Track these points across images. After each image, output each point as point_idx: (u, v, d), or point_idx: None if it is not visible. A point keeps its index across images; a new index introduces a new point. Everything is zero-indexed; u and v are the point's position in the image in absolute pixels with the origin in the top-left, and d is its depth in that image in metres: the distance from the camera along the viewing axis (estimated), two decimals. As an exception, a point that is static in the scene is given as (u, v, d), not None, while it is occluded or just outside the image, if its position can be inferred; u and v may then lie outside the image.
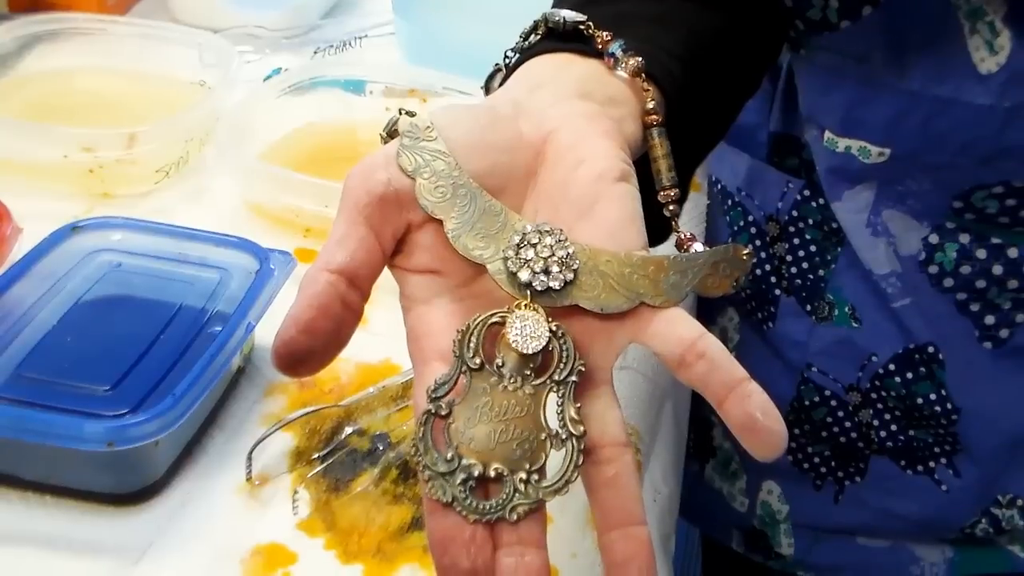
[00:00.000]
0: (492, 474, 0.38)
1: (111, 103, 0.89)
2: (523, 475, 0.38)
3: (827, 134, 0.66)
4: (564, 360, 0.40)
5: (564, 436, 0.39)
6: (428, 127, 0.42)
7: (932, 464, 0.73)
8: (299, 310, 0.38)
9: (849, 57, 0.63)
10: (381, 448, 0.59)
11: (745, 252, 0.43)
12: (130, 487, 0.56)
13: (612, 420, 0.40)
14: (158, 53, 0.93)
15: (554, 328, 0.40)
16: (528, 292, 0.40)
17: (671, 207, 0.47)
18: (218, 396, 0.61)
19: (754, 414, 0.38)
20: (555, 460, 0.39)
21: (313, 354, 0.38)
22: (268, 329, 0.63)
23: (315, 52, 1.05)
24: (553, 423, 0.39)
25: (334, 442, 0.59)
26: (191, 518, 0.55)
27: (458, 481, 0.38)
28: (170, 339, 0.59)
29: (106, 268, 0.64)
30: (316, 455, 0.58)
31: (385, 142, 0.43)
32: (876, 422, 0.73)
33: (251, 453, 0.57)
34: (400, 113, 0.43)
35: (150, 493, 0.56)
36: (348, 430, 0.60)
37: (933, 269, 0.67)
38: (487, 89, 0.54)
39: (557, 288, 0.40)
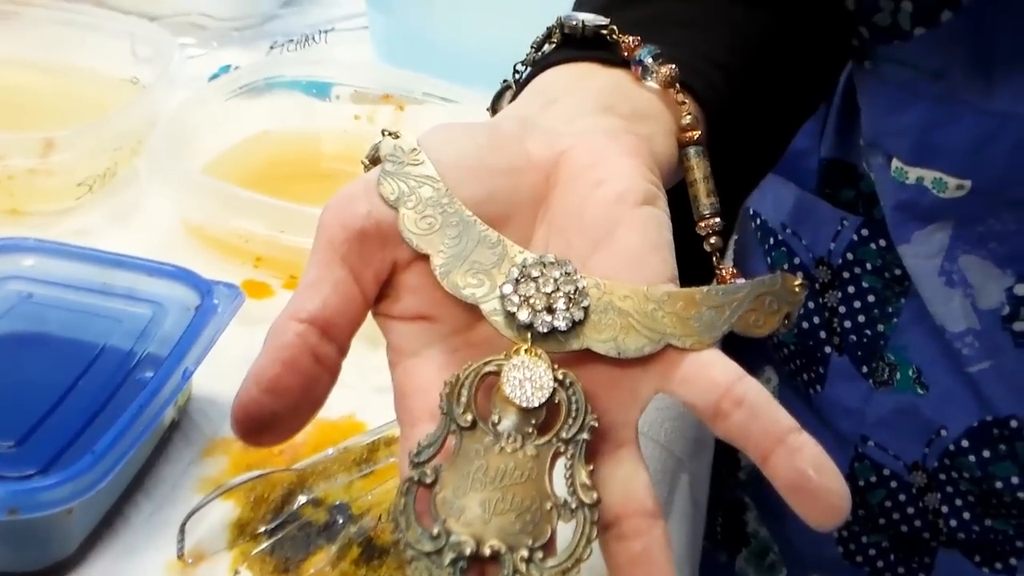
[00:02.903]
0: (487, 552, 0.38)
1: (23, 102, 0.90)
2: (524, 553, 0.38)
3: (895, 162, 0.66)
4: (573, 415, 0.40)
5: (574, 505, 0.39)
6: (414, 150, 0.43)
7: (1013, 561, 0.73)
8: (262, 366, 0.38)
9: (924, 71, 0.63)
10: (340, 521, 0.59)
11: (798, 283, 0.43)
12: (37, 564, 0.56)
13: (639, 486, 0.40)
14: (82, 43, 0.94)
15: (560, 377, 0.40)
16: (529, 335, 0.41)
17: (712, 240, 0.47)
18: (146, 456, 0.62)
19: (806, 471, 0.38)
20: (564, 533, 0.39)
21: (278, 419, 0.38)
22: (208, 376, 0.64)
23: (271, 47, 1.06)
24: (561, 490, 0.39)
25: (284, 513, 0.59)
26: (109, 602, 0.55)
27: (447, 562, 0.38)
28: (90, 386, 0.60)
29: (14, 300, 0.65)
30: (262, 528, 0.59)
31: (367, 170, 0.44)
32: (945, 508, 0.73)
33: (184, 525, 0.57)
34: (383, 135, 0.43)
35: (60, 572, 0.56)
36: (301, 499, 0.60)
37: (1018, 327, 0.67)
38: (494, 111, 0.55)
39: (564, 329, 0.41)
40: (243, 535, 0.58)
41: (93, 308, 0.65)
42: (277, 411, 0.38)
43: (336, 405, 0.64)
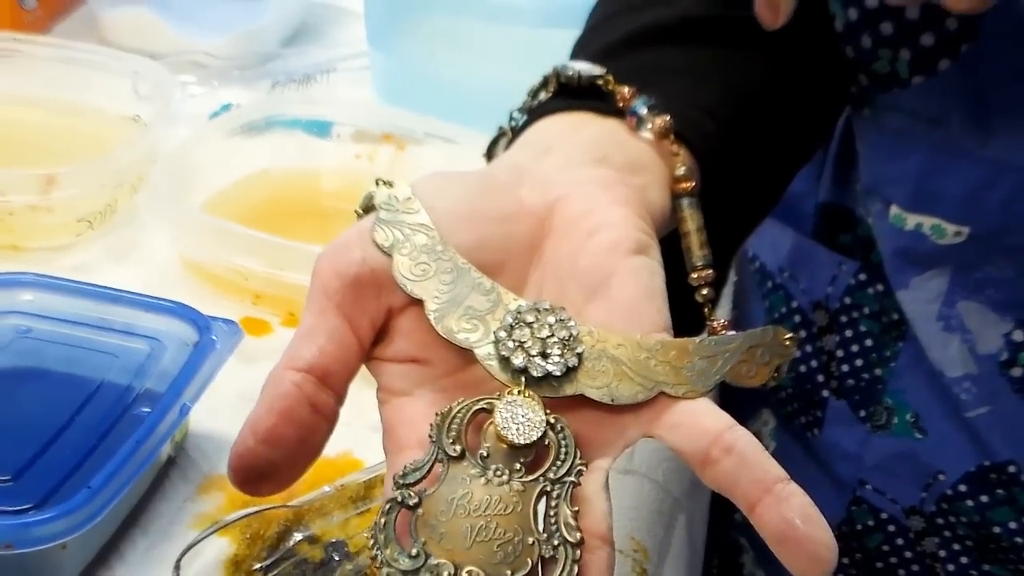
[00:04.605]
0: None
1: (25, 139, 0.90)
2: None
3: (893, 209, 0.67)
4: (562, 458, 0.40)
5: (557, 542, 0.39)
6: (408, 198, 0.43)
7: None
8: (258, 416, 0.39)
9: (922, 119, 0.64)
10: (337, 559, 0.59)
11: (788, 337, 0.44)
12: (30, 599, 0.56)
13: (596, 509, 0.41)
14: (84, 81, 0.94)
15: (552, 421, 0.41)
16: (523, 379, 0.41)
17: (704, 291, 0.48)
18: (142, 492, 0.62)
19: (793, 520, 0.38)
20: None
21: (276, 468, 0.39)
22: (206, 412, 0.64)
23: (273, 86, 1.07)
24: (543, 526, 0.40)
25: (280, 550, 0.59)
26: (103, 639, 0.55)
27: None
28: (86, 421, 0.60)
29: (12, 335, 0.65)
30: (258, 566, 0.59)
31: (361, 218, 0.45)
32: (943, 553, 0.73)
33: (179, 561, 0.57)
34: (377, 184, 0.44)
35: (54, 607, 0.56)
36: (297, 536, 0.60)
37: (1016, 372, 0.67)
38: (489, 157, 0.55)
39: (558, 374, 0.41)
40: (239, 572, 0.58)
41: (91, 343, 0.65)
42: (274, 461, 0.39)
43: (333, 442, 0.63)
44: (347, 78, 1.09)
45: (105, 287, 0.68)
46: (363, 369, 0.43)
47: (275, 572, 0.58)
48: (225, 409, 0.64)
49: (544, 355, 0.41)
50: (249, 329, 0.69)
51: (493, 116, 0.56)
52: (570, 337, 0.41)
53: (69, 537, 0.53)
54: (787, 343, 0.44)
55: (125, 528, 0.60)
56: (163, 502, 0.62)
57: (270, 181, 0.89)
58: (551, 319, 0.42)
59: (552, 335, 0.41)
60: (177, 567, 0.57)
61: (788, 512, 0.38)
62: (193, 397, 0.61)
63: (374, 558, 0.39)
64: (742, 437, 0.40)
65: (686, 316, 0.46)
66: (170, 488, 0.63)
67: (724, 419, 0.41)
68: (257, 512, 0.60)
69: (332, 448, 0.65)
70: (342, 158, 0.91)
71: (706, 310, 0.47)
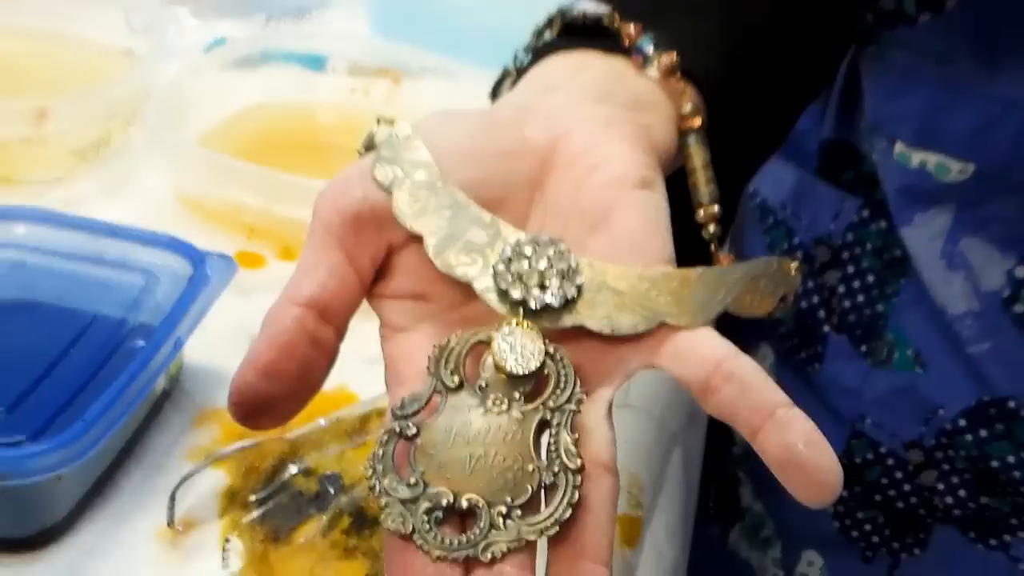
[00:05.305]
0: (464, 505, 0.38)
1: (16, 70, 0.90)
2: (503, 508, 0.38)
3: (898, 146, 0.67)
4: (562, 386, 0.40)
5: (557, 469, 0.39)
6: (409, 136, 0.43)
7: (1007, 537, 0.73)
8: (258, 351, 0.39)
9: (928, 56, 0.63)
10: (332, 491, 0.59)
11: (793, 266, 0.43)
12: (26, 531, 0.56)
13: (598, 437, 0.41)
14: (76, 12, 0.93)
15: (551, 351, 0.41)
16: (521, 311, 0.41)
17: (711, 227, 0.48)
18: (137, 424, 0.62)
19: (795, 445, 0.38)
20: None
21: (276, 402, 0.39)
22: (200, 346, 0.64)
23: (267, 19, 1.06)
24: (544, 453, 0.40)
25: (275, 483, 0.59)
26: (99, 570, 0.55)
27: (421, 510, 0.38)
28: (81, 354, 0.60)
29: (6, 267, 0.65)
30: (253, 497, 0.59)
31: (362, 157, 0.44)
32: (941, 486, 0.73)
33: (174, 493, 0.57)
34: (378, 122, 0.44)
35: (50, 538, 0.56)
36: (292, 469, 0.60)
37: (1019, 308, 0.67)
38: (494, 97, 0.55)
39: (557, 306, 0.41)
40: (234, 504, 0.59)
41: (85, 277, 0.65)
42: (274, 395, 0.39)
43: (329, 376, 0.64)
44: (342, 12, 1.08)
45: (99, 220, 0.67)
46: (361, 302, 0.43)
47: (270, 504, 0.58)
48: (220, 342, 0.64)
49: (542, 287, 0.41)
50: (244, 263, 0.69)
51: (490, 50, 0.56)
52: (569, 269, 0.41)
53: (64, 469, 0.53)
54: (793, 272, 0.44)
55: (120, 460, 0.60)
56: (158, 435, 0.62)
57: (265, 115, 0.88)
58: (550, 251, 0.42)
59: (551, 267, 0.41)
60: (172, 499, 0.57)
61: (790, 437, 0.38)
62: (187, 330, 0.60)
63: (372, 488, 0.39)
64: (743, 364, 0.40)
65: (694, 256, 0.46)
66: (165, 421, 0.63)
67: (726, 347, 0.41)
68: (252, 445, 0.60)
69: (328, 382, 0.65)
70: (337, 92, 0.90)
71: (713, 247, 0.47)
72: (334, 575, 0.56)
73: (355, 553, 0.57)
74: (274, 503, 0.58)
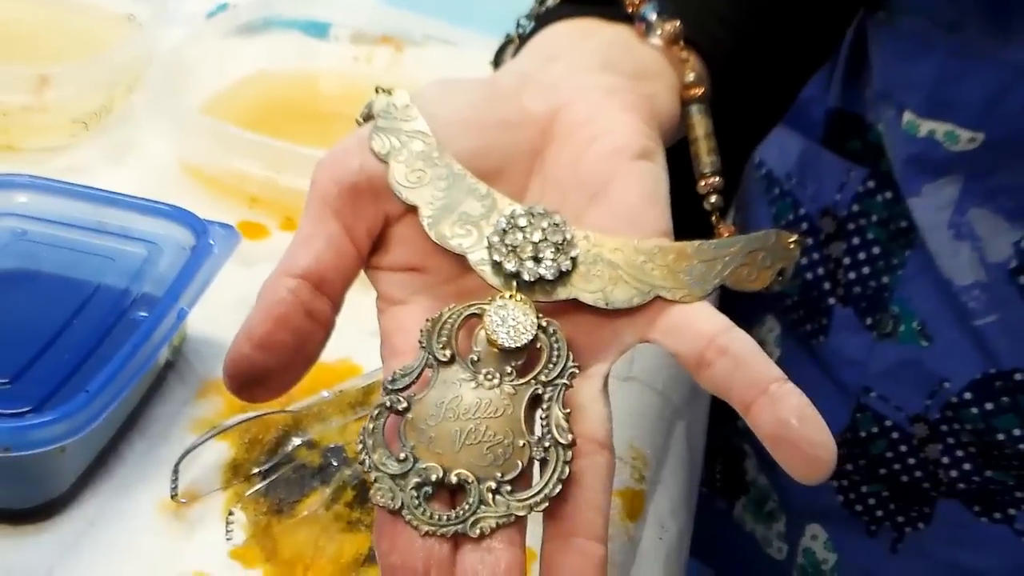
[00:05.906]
0: (454, 480, 0.38)
1: (18, 36, 0.89)
2: (492, 484, 0.38)
3: (907, 115, 0.66)
4: (554, 360, 0.40)
5: (548, 444, 0.39)
6: (407, 106, 0.43)
7: (1012, 511, 0.73)
8: (253, 322, 0.39)
9: (939, 23, 0.63)
10: (335, 464, 0.59)
11: (792, 240, 0.43)
12: (29, 502, 0.56)
13: (593, 415, 0.41)
14: (78, -22, 0.93)
15: (544, 324, 0.41)
16: (515, 284, 0.41)
17: (713, 199, 0.47)
18: (140, 395, 0.62)
19: (788, 420, 0.38)
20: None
21: (271, 375, 0.39)
22: (204, 316, 0.64)
23: (270, -15, 1.05)
24: (536, 429, 0.40)
25: (278, 455, 0.59)
26: (102, 541, 0.55)
27: (410, 485, 0.38)
28: (84, 325, 0.59)
29: (7, 237, 0.64)
30: (256, 470, 0.59)
31: (361, 127, 0.44)
32: (946, 459, 0.74)
33: (178, 465, 0.57)
34: (376, 92, 0.44)
35: (53, 510, 0.56)
36: (296, 441, 0.60)
37: None
38: (496, 65, 0.54)
39: (550, 278, 0.41)
40: (237, 476, 0.59)
41: (87, 247, 0.64)
42: (269, 367, 0.39)
43: (331, 348, 0.64)
44: (345, -23, 1.07)
45: (101, 189, 0.67)
46: (363, 275, 0.43)
47: (274, 476, 0.58)
48: (223, 313, 0.64)
49: (536, 259, 0.41)
50: (246, 233, 0.68)
51: (493, 17, 0.55)
52: (564, 241, 0.41)
53: (67, 440, 0.53)
54: (791, 246, 0.43)
55: (124, 432, 0.60)
56: (161, 406, 0.62)
57: (267, 83, 0.88)
58: (545, 223, 0.41)
59: (545, 239, 0.41)
60: (176, 471, 0.57)
61: (783, 412, 0.38)
62: (190, 301, 0.60)
63: (362, 463, 0.39)
64: (737, 339, 0.40)
65: (697, 227, 0.46)
66: (168, 392, 0.63)
67: (721, 321, 0.41)
68: (256, 417, 0.60)
69: (331, 354, 0.65)
70: (340, 60, 0.90)
71: (714, 218, 0.47)
72: (337, 548, 0.56)
73: (358, 526, 0.57)
74: (277, 476, 0.58)
